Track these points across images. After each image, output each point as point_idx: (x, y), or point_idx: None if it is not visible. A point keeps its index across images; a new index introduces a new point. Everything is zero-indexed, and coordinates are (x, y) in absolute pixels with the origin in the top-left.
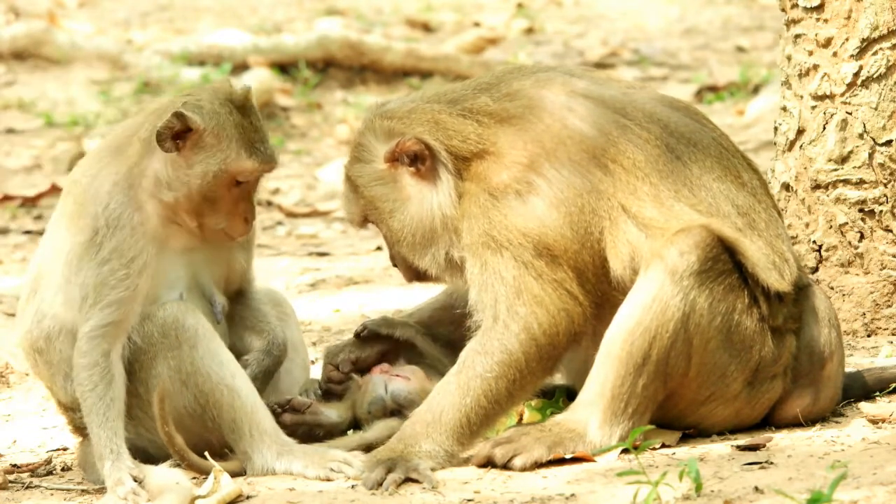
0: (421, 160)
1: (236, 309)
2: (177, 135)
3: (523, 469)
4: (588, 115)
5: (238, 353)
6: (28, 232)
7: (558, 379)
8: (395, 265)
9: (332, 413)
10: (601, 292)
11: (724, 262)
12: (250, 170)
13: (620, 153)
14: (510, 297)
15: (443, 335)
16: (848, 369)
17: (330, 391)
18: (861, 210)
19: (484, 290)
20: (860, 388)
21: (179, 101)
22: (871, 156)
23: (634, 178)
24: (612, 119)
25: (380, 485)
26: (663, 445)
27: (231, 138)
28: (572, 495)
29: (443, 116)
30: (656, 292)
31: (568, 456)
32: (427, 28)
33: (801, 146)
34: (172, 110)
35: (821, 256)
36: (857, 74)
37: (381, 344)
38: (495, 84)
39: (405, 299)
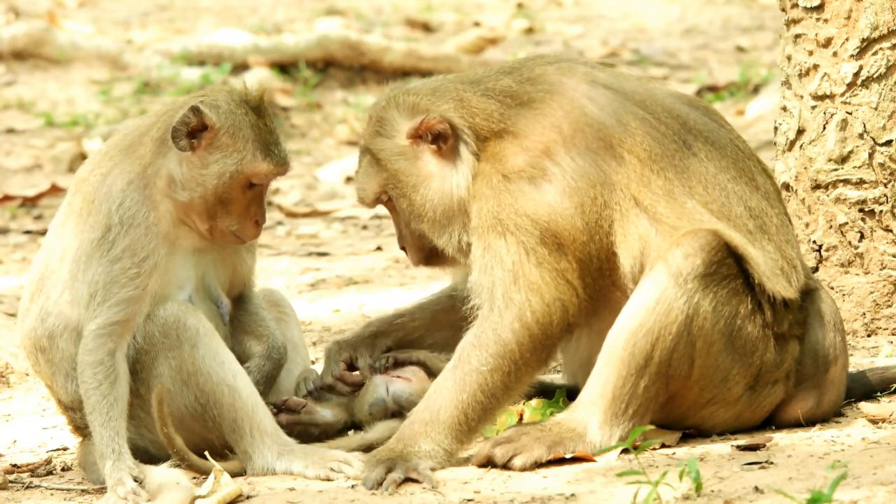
0: (443, 139)
1: (235, 313)
2: (192, 133)
3: (523, 469)
4: (608, 105)
5: (237, 356)
6: (28, 232)
7: (558, 379)
8: (402, 248)
9: (327, 412)
10: (600, 287)
11: (728, 267)
12: (265, 172)
13: (637, 144)
14: (507, 282)
15: (440, 341)
16: (849, 370)
17: (333, 389)
18: (861, 210)
19: (483, 273)
20: (862, 388)
21: (194, 99)
22: (871, 156)
23: (650, 170)
24: (631, 110)
25: (380, 485)
26: (663, 445)
27: (247, 139)
28: (572, 495)
29: (467, 95)
30: (660, 294)
31: (568, 456)
32: (427, 28)
33: (801, 146)
34: (188, 107)
35: (821, 256)
36: (857, 74)
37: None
38: (518, 68)
39: (405, 299)
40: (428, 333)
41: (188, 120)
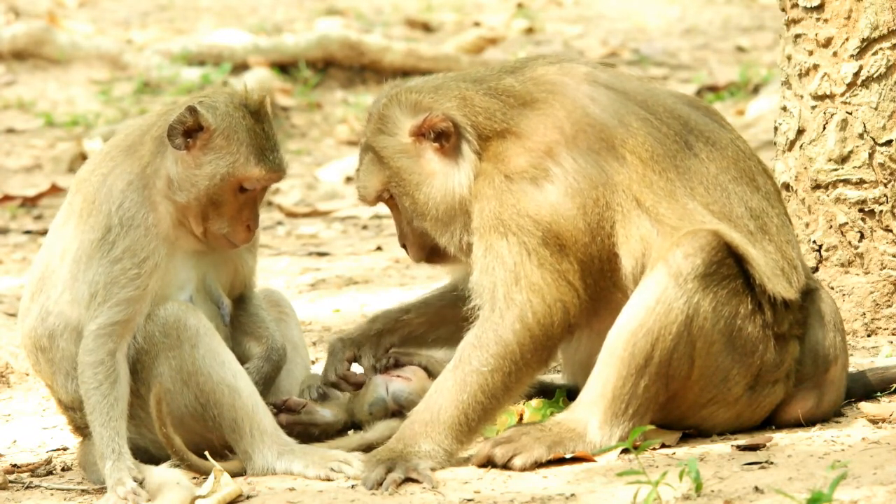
0: (446, 137)
1: (235, 314)
2: (187, 132)
3: (523, 469)
4: (609, 105)
5: (237, 357)
6: (28, 232)
7: (558, 379)
8: (403, 245)
9: (327, 412)
10: (601, 287)
11: (728, 267)
12: (257, 177)
13: (639, 145)
14: (509, 282)
15: (444, 336)
16: (849, 370)
17: (336, 386)
18: (861, 210)
19: (484, 273)
20: (862, 388)
21: (195, 99)
22: (871, 156)
23: (651, 171)
24: (632, 111)
25: (380, 485)
26: (663, 445)
27: (241, 143)
28: (572, 495)
29: (470, 93)
30: (660, 294)
31: (568, 456)
32: (427, 28)
33: (801, 146)
34: (186, 106)
35: (821, 256)
36: (857, 74)
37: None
38: (520, 68)
39: (405, 299)
40: (432, 329)
41: (184, 119)
